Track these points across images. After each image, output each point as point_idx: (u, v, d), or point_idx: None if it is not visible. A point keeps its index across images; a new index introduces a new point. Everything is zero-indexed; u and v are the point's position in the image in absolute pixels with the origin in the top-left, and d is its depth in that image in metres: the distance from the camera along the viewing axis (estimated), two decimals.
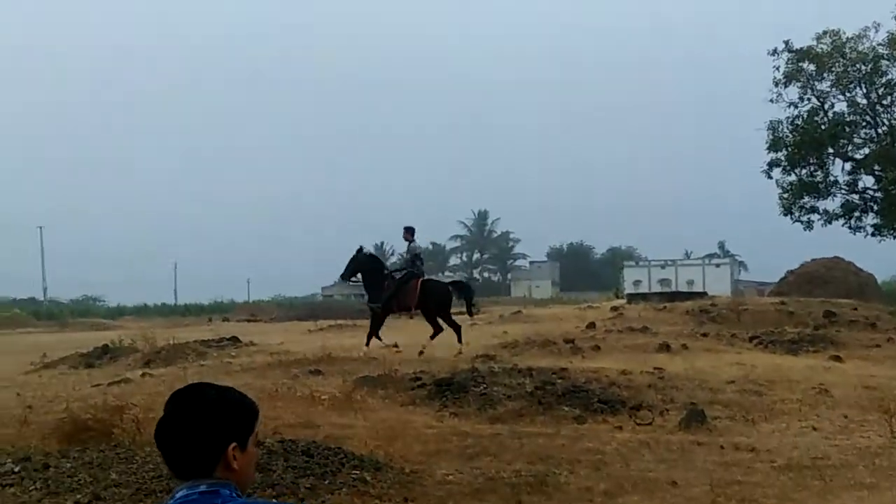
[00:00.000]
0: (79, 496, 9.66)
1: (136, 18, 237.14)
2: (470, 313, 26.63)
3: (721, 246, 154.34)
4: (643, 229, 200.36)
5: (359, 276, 24.63)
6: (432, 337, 24.27)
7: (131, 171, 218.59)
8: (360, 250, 24.57)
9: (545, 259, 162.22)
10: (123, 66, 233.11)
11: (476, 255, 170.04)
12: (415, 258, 24.53)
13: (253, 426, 3.00)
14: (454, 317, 24.85)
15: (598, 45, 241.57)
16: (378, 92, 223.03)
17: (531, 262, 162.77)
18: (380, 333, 24.49)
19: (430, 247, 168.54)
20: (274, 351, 25.70)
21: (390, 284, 24.10)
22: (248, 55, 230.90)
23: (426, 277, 24.92)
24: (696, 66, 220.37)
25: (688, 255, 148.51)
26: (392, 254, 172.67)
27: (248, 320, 67.36)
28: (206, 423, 2.87)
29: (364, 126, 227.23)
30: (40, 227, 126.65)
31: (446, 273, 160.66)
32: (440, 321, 24.38)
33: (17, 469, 10.46)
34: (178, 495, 2.85)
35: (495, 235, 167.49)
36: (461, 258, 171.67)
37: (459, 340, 23.97)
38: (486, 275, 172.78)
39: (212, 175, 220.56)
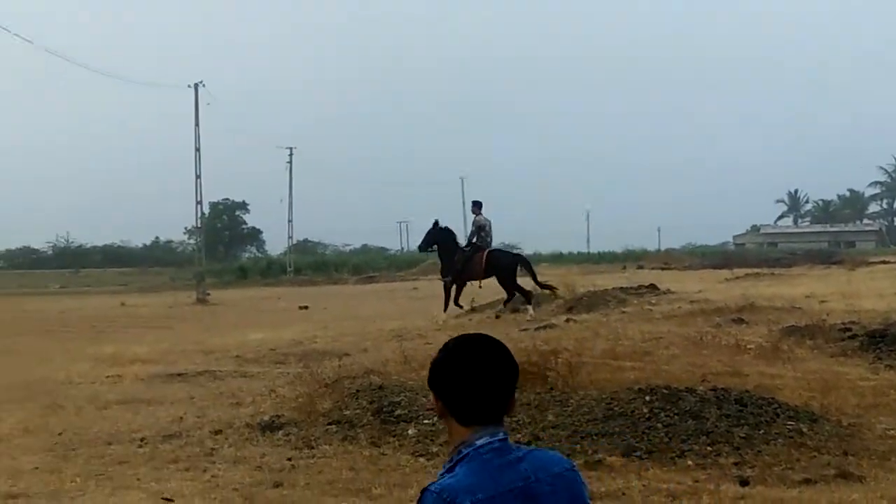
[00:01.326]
0: (518, 436, 10.09)
1: None
2: (538, 285, 25.95)
3: None
4: None
5: (435, 247, 26.56)
6: (505, 303, 25.25)
7: (555, 125, 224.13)
8: (435, 224, 26.26)
9: None
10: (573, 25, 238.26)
11: None
12: (479, 230, 25.89)
13: None
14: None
15: None
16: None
17: None
18: (459, 301, 25.73)
19: (847, 194, 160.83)
20: (693, 299, 25.56)
21: (460, 257, 25.45)
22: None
23: (492, 248, 25.99)
24: None
25: None
26: (806, 201, 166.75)
27: (662, 268, 67.27)
28: (512, 370, 2.91)
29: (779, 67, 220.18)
30: (462, 178, 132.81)
31: (864, 221, 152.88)
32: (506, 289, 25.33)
33: None
34: (479, 442, 2.83)
35: None
36: (881, 205, 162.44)
37: (528, 302, 24.64)
38: None
39: (625, 127, 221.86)
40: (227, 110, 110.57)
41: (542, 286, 25.82)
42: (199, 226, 63.75)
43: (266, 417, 12.00)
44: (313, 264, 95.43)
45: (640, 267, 72.34)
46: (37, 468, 10.13)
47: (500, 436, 2.85)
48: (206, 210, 77.30)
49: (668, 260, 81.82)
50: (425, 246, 27.08)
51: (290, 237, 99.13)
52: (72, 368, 18.16)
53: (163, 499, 8.76)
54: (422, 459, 9.88)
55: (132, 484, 9.37)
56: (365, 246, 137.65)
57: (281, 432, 11.36)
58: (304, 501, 8.58)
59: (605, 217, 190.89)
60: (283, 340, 22.36)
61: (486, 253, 25.35)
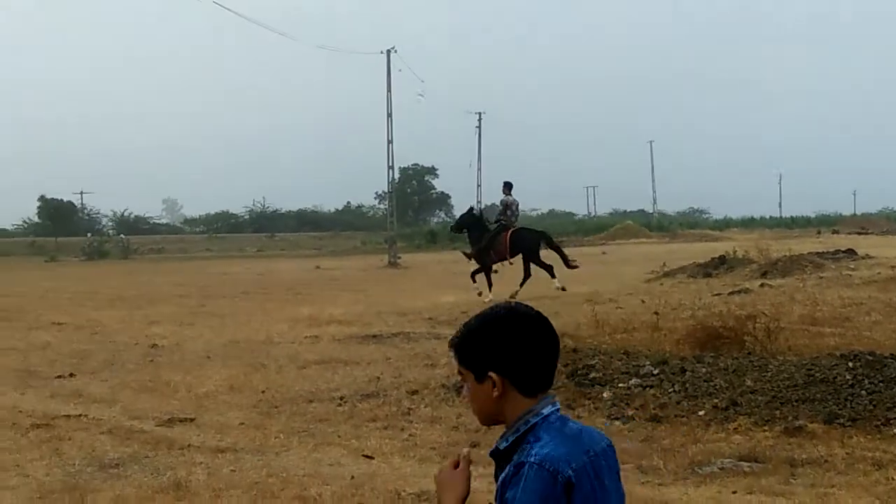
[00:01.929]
0: (716, 400, 9.96)
1: None
2: (566, 263, 25.76)
3: None
4: None
5: (465, 230, 27.14)
6: (521, 284, 24.53)
7: (744, 88, 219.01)
8: (469, 210, 28.05)
9: None
10: None
11: None
12: (505, 209, 26.22)
13: None
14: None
15: None
16: None
17: None
18: (480, 280, 25.42)
19: None
20: (894, 264, 24.65)
21: (486, 237, 25.79)
22: None
23: (517, 227, 26.15)
24: None
25: None
26: None
27: (858, 233, 65.07)
28: (557, 336, 2.89)
29: None
30: (650, 142, 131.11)
31: None
32: (532, 265, 25.25)
33: (655, 371, 11.01)
34: (545, 411, 2.79)
35: None
36: None
37: (552, 276, 25.14)
38: None
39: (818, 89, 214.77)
40: (419, 75, 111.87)
41: (568, 264, 25.72)
42: (390, 190, 64.54)
43: (461, 378, 12.15)
44: None
45: (835, 232, 70.26)
46: (243, 424, 10.54)
47: (557, 404, 2.84)
48: (397, 175, 78.12)
49: (864, 224, 79.20)
50: (457, 228, 28.15)
51: (479, 201, 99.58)
52: (272, 329, 18.80)
53: (363, 455, 9.01)
54: (617, 422, 9.85)
55: (333, 441, 9.66)
56: (552, 211, 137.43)
57: None
58: None
59: (797, 181, 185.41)
60: (475, 303, 22.55)
61: (510, 232, 25.70)
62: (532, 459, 2.66)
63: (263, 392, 12.29)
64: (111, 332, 19.24)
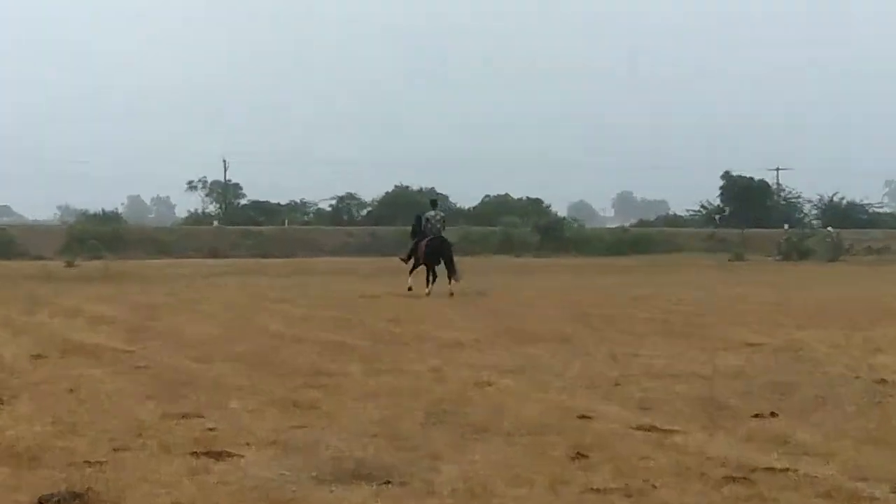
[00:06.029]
0: None
1: None
2: (450, 275, 31.05)
3: None
4: None
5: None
6: (449, 278, 31.04)
7: None
8: (417, 218, 33.65)
9: None
10: None
11: None
12: (426, 222, 32.30)
13: None
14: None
15: None
16: None
17: None
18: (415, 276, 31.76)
19: None
20: None
21: (413, 243, 32.47)
22: None
23: (430, 237, 31.48)
24: None
25: None
26: None
27: None
28: None
29: None
30: None
31: None
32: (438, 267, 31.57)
33: None
34: None
35: None
36: None
37: (449, 283, 30.46)
38: None
39: None
40: None
41: (452, 277, 30.99)
42: None
43: None
44: None
45: None
46: None
47: None
48: None
49: None
50: (413, 234, 33.37)
51: None
52: None
53: None
54: None
55: None
56: None
57: None
58: None
59: None
60: None
61: (426, 240, 31.56)
62: None
63: None
64: (821, 358, 16.10)
